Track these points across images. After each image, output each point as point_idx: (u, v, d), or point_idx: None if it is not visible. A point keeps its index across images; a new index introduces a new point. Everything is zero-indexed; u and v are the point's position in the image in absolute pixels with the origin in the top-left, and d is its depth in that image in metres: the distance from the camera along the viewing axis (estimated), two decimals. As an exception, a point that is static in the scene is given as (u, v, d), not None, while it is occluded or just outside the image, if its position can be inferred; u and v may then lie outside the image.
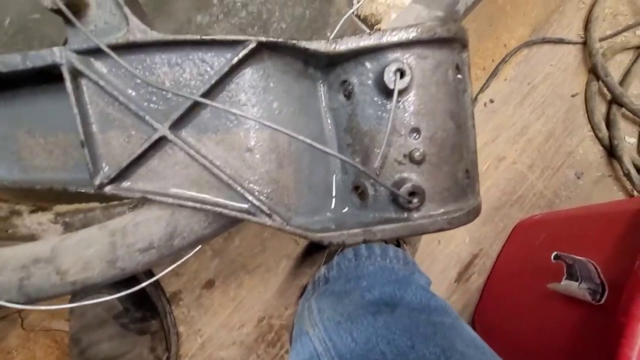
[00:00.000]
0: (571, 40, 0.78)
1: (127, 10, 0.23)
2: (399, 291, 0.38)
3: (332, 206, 0.28)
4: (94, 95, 0.24)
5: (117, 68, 0.24)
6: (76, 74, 0.24)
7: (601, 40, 0.76)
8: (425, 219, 0.25)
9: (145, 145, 0.24)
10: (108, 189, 0.25)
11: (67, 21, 0.23)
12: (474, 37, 0.77)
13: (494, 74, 0.75)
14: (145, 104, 0.24)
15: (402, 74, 0.23)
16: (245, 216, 0.25)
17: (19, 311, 0.63)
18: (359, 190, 0.27)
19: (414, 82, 0.24)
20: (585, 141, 0.78)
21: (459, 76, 0.26)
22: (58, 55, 0.23)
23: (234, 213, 0.25)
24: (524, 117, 0.76)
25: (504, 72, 0.77)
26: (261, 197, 0.25)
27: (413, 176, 0.25)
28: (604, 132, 0.74)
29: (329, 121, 0.28)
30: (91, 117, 0.24)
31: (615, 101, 0.75)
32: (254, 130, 0.25)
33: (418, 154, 0.25)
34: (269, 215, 0.25)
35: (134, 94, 0.24)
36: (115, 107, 0.25)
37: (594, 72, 0.76)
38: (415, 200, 0.24)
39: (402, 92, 0.24)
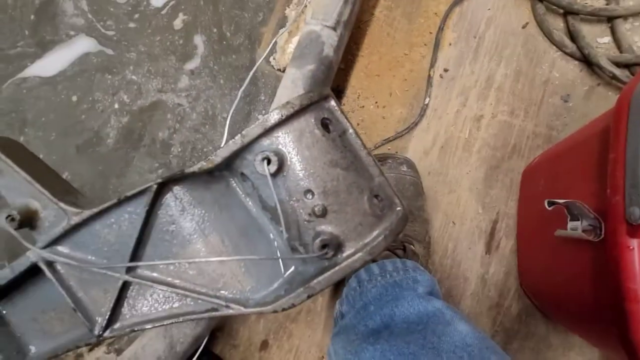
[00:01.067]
0: None
1: (62, 205, 0.29)
2: (396, 308, 0.39)
3: (283, 270, 0.32)
4: (69, 270, 0.31)
5: (75, 244, 0.31)
6: (50, 263, 0.31)
7: None
8: (349, 258, 0.28)
9: (116, 292, 0.30)
10: (106, 334, 0.31)
11: (29, 228, 0.30)
12: (404, 21, 0.78)
13: (436, 45, 0.75)
14: (105, 260, 0.31)
15: (269, 160, 0.26)
16: (211, 314, 0.30)
17: None
18: (295, 251, 0.31)
19: (285, 158, 0.27)
20: (556, 63, 0.73)
21: (330, 126, 0.30)
22: (32, 256, 0.30)
23: (200, 315, 0.30)
24: (484, 69, 0.74)
25: (445, 39, 0.76)
26: (217, 294, 0.30)
27: (324, 227, 0.28)
28: (570, 46, 0.70)
29: (251, 203, 0.32)
30: (73, 287, 0.31)
31: (568, 12, 0.71)
32: (191, 245, 0.30)
33: (318, 208, 0.28)
34: (227, 307, 0.29)
35: (93, 257, 0.31)
36: (87, 272, 0.31)
37: None
38: (329, 250, 0.27)
39: (278, 171, 0.27)
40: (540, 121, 0.72)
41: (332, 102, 0.31)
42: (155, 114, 0.67)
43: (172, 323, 0.31)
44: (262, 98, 0.65)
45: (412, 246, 0.59)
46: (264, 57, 0.59)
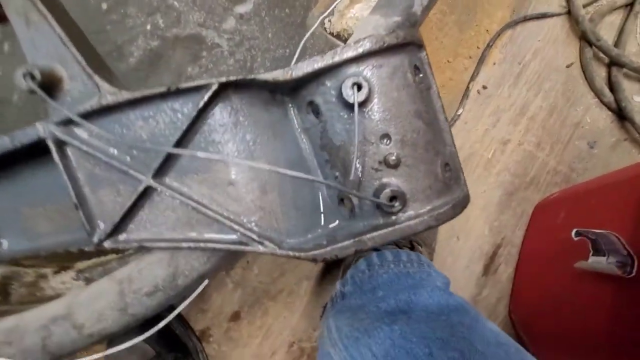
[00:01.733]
0: (554, 13, 0.77)
1: (97, 78, 0.25)
2: (414, 296, 0.37)
3: (322, 222, 0.29)
4: (81, 160, 0.26)
5: (97, 131, 0.26)
6: (61, 144, 0.26)
7: (585, 6, 0.75)
8: (411, 219, 0.25)
9: (134, 197, 0.25)
10: (107, 244, 0.26)
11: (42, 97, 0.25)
12: (455, 29, 0.78)
13: (481, 60, 0.75)
14: (128, 158, 0.26)
15: (359, 87, 0.23)
16: (239, 247, 0.26)
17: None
18: (345, 202, 0.28)
19: (373, 91, 0.24)
20: (591, 109, 0.75)
21: (420, 75, 0.27)
22: (41, 130, 0.25)
23: (226, 246, 0.26)
24: (521, 96, 0.75)
25: (491, 57, 0.76)
26: (250, 226, 0.26)
27: (392, 180, 0.25)
28: (608, 96, 0.71)
29: (305, 141, 0.29)
30: (81, 180, 0.26)
31: (614, 63, 0.72)
32: (233, 164, 0.26)
33: (392, 158, 0.25)
34: (260, 243, 0.25)
35: (116, 151, 0.26)
36: (102, 167, 0.26)
37: (584, 38, 0.74)
38: (396, 204, 0.24)
39: (363, 104, 0.24)
40: (563, 160, 0.72)
41: (424, 53, 0.28)
42: (190, 47, 0.61)
43: (189, 248, 0.26)
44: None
45: (420, 248, 0.57)
46: (321, 18, 0.56)
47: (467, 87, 0.73)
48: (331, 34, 0.61)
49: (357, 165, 0.24)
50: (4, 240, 0.29)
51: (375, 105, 0.25)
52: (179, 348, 0.64)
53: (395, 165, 0.25)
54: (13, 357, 0.26)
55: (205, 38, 0.61)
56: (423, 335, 0.31)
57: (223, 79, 0.24)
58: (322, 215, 0.29)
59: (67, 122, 0.25)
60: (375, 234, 0.25)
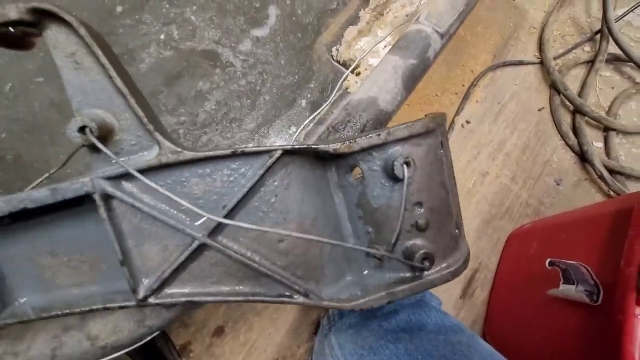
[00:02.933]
0: (529, 61, 0.87)
1: (158, 135, 0.25)
2: (414, 316, 0.41)
3: (353, 271, 0.32)
4: (127, 213, 0.26)
5: (147, 185, 0.26)
6: (107, 198, 0.25)
7: (555, 59, 0.87)
8: (434, 275, 0.30)
9: (186, 254, 0.26)
10: (151, 301, 0.26)
11: (94, 150, 0.24)
12: (444, 67, 0.85)
13: (466, 97, 0.83)
14: (177, 213, 0.26)
15: (409, 164, 0.27)
16: (285, 300, 0.28)
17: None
18: (374, 256, 0.31)
19: (416, 166, 0.28)
20: (558, 150, 0.87)
21: (442, 151, 0.31)
22: (90, 185, 0.24)
23: (274, 299, 0.28)
24: (500, 133, 0.84)
25: (475, 95, 0.84)
26: (295, 280, 0.28)
27: (420, 242, 0.29)
28: (573, 140, 0.83)
29: (340, 196, 0.31)
30: (125, 234, 0.26)
31: (577, 111, 0.85)
32: (286, 223, 0.28)
33: (423, 223, 0.29)
34: (306, 296, 0.28)
35: (166, 207, 0.26)
36: (149, 222, 0.26)
37: (554, 87, 0.86)
38: (427, 264, 0.28)
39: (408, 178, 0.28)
40: (534, 194, 0.83)
41: (445, 130, 0.32)
42: (204, 63, 0.60)
43: (236, 302, 0.28)
44: (312, 85, 0.63)
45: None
46: (333, 48, 0.57)
47: (453, 121, 0.81)
48: (337, 61, 0.64)
49: (398, 229, 0.28)
50: (22, 297, 0.27)
51: (415, 178, 0.28)
52: (156, 363, 0.62)
53: (425, 229, 0.29)
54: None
55: (221, 56, 0.60)
56: (428, 353, 0.34)
57: (288, 147, 0.26)
58: (353, 265, 0.32)
59: (117, 177, 0.25)
60: (405, 287, 0.29)
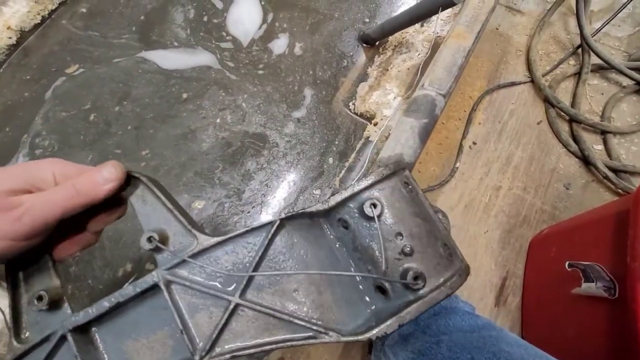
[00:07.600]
0: (521, 81, 0.99)
1: (194, 231, 0.35)
2: (450, 321, 0.48)
3: (367, 308, 0.37)
4: (182, 293, 0.35)
5: (193, 268, 0.36)
6: (168, 283, 0.35)
7: (544, 75, 0.97)
8: (433, 291, 0.34)
9: (226, 315, 0.34)
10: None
11: (156, 251, 0.35)
12: None
13: (469, 121, 0.93)
14: (218, 285, 0.35)
15: (375, 205, 0.35)
16: (310, 341, 0.33)
17: None
18: (380, 289, 0.36)
19: (384, 206, 0.36)
20: (561, 157, 0.91)
21: (409, 187, 0.39)
22: (156, 276, 0.34)
23: (301, 342, 0.33)
24: (505, 149, 0.91)
25: (476, 118, 0.94)
26: (315, 322, 0.34)
27: (410, 264, 0.35)
28: (574, 146, 0.88)
29: (338, 246, 0.39)
30: (183, 310, 0.34)
31: (573, 120, 0.91)
32: (294, 276, 0.35)
33: (407, 248, 0.35)
34: (326, 334, 0.33)
35: (208, 281, 0.35)
36: (197, 296, 0.35)
37: (548, 101, 0.94)
38: (419, 281, 0.33)
39: (379, 216, 0.35)
40: (547, 200, 0.85)
41: (408, 172, 0.41)
42: (255, 143, 0.74)
43: (271, 350, 0.33)
44: (337, 140, 0.76)
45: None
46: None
47: (460, 144, 0.89)
48: (355, 113, 0.79)
49: (384, 258, 0.34)
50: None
51: (387, 215, 0.36)
52: None
53: (411, 253, 0.35)
54: None
55: (269, 137, 0.75)
56: (464, 347, 0.41)
57: (283, 215, 0.35)
58: (366, 302, 0.37)
59: (173, 267, 0.35)
60: (410, 309, 0.33)
